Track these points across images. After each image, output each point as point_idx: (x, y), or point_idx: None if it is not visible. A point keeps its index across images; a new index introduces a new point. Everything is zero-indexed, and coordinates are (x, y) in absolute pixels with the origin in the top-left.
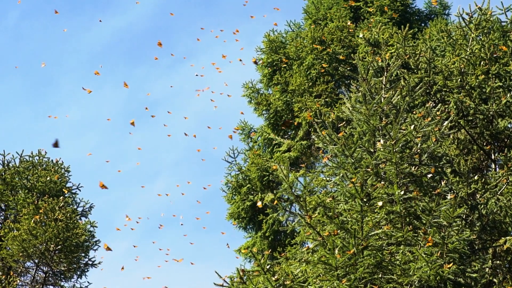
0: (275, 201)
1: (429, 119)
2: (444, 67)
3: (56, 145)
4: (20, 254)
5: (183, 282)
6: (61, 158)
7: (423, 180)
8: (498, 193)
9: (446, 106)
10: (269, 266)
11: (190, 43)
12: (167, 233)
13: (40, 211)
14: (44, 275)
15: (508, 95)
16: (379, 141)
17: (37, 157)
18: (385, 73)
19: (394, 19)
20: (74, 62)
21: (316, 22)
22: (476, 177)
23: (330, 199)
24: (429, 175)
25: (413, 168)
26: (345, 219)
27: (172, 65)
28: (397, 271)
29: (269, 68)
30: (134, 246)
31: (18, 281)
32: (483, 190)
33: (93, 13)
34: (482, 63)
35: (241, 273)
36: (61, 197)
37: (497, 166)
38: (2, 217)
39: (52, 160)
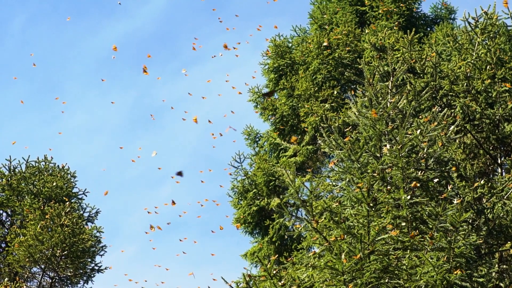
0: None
1: (435, 123)
2: (450, 72)
3: (180, 174)
4: (27, 259)
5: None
6: (67, 164)
7: (429, 185)
8: (505, 197)
9: (452, 110)
10: (275, 271)
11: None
12: (172, 238)
13: (46, 216)
14: (50, 281)
15: None
16: (385, 146)
17: (43, 163)
18: (391, 77)
19: (400, 23)
20: (80, 67)
21: (321, 27)
22: (482, 182)
23: (337, 204)
24: (436, 180)
25: (419, 172)
26: (351, 224)
27: (179, 70)
28: (404, 276)
29: (274, 73)
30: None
31: (25, 286)
32: (490, 195)
33: (99, 18)
34: (488, 67)
35: (247, 278)
36: (67, 203)
37: (503, 170)
38: (9, 223)
39: (58, 166)
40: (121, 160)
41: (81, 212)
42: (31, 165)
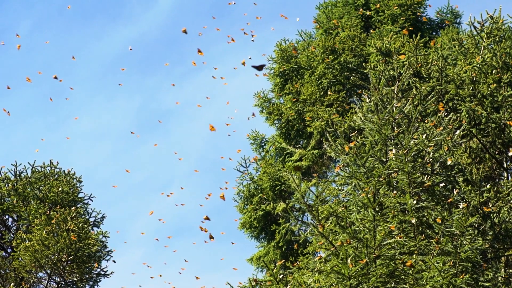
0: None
1: (441, 128)
2: (456, 76)
3: (260, 68)
4: (32, 264)
5: None
6: (73, 168)
7: (435, 189)
8: (511, 201)
9: (458, 115)
10: (281, 275)
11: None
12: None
13: (52, 221)
14: (56, 286)
15: None
16: (391, 150)
17: (49, 168)
18: (397, 82)
19: (405, 28)
20: (86, 72)
21: (327, 31)
22: (488, 186)
23: (343, 208)
24: (442, 184)
25: (425, 177)
26: (357, 228)
27: (185, 74)
28: (410, 280)
29: (280, 78)
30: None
31: None
32: (496, 199)
33: (105, 23)
34: (494, 71)
35: (253, 283)
36: (73, 208)
37: (509, 174)
38: (14, 228)
39: (64, 171)
40: (127, 165)
41: (87, 217)
42: (37, 170)
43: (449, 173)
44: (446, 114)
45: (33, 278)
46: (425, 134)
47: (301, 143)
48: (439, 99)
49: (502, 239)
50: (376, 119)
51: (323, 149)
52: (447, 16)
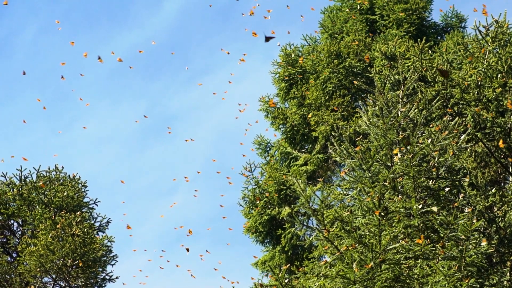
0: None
1: (446, 132)
2: (461, 80)
3: (268, 39)
4: (38, 269)
5: None
6: (78, 173)
7: (440, 194)
8: None
9: (464, 119)
10: (287, 280)
11: (208, 57)
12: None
13: (57, 226)
14: None
15: None
16: (396, 155)
17: (54, 172)
18: (402, 86)
19: (410, 32)
20: (91, 76)
21: (332, 36)
22: (493, 190)
23: (348, 213)
24: (447, 189)
25: (430, 181)
26: (362, 233)
27: (190, 79)
28: (415, 285)
29: (285, 82)
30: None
31: None
32: (501, 203)
33: (110, 27)
34: (499, 76)
35: None
36: (78, 212)
37: None
38: (20, 233)
39: (69, 176)
40: (133, 169)
41: (92, 221)
42: (42, 175)
43: (454, 177)
44: (451, 118)
45: (39, 283)
46: (430, 139)
47: (306, 147)
48: (444, 104)
49: (508, 243)
50: (381, 124)
51: (328, 154)
52: (452, 20)
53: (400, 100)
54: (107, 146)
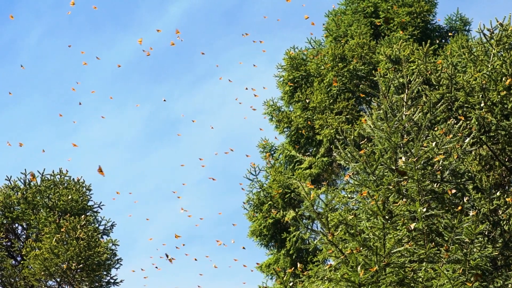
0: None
1: (451, 135)
2: (466, 83)
3: (100, 170)
4: (42, 273)
5: None
6: (82, 177)
7: (445, 197)
8: None
9: (468, 122)
10: (291, 283)
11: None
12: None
13: (62, 229)
14: None
15: None
16: (401, 158)
17: (59, 176)
18: (406, 90)
19: (414, 35)
20: (95, 80)
21: (336, 39)
22: (498, 193)
23: (352, 216)
24: (453, 190)
25: (435, 185)
26: (367, 236)
27: (195, 83)
28: None
29: (289, 86)
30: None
31: None
32: (506, 206)
33: (115, 31)
34: (503, 79)
35: None
36: (82, 216)
37: None
38: (24, 236)
39: (73, 179)
40: (137, 173)
41: (97, 225)
42: (46, 178)
43: (458, 180)
44: (455, 121)
45: (43, 286)
46: (435, 142)
47: (310, 151)
48: (449, 107)
49: None
50: (385, 127)
51: (332, 157)
52: (456, 24)
53: (405, 104)
54: (111, 150)
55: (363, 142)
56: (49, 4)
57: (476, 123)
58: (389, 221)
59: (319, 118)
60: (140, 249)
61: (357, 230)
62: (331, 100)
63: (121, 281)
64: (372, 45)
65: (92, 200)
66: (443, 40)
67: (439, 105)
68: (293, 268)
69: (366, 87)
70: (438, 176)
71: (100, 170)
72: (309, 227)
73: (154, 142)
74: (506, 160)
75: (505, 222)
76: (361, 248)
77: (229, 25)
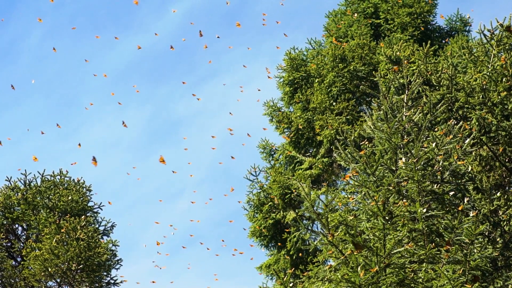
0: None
1: (451, 136)
2: (466, 84)
3: (94, 160)
4: (42, 273)
5: None
6: (83, 177)
7: (445, 198)
8: None
9: (468, 123)
10: (291, 284)
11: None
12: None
13: (62, 230)
14: None
15: None
16: (401, 159)
17: (59, 177)
18: (407, 90)
19: (415, 36)
20: (96, 81)
21: (337, 39)
22: (498, 194)
23: (352, 217)
24: (451, 193)
25: (435, 185)
26: (367, 237)
27: (196, 84)
28: None
29: (289, 86)
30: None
31: None
32: (506, 207)
33: (116, 32)
34: (504, 79)
35: None
36: (82, 216)
37: None
38: (24, 237)
39: (73, 180)
40: (138, 174)
41: (97, 226)
42: (46, 179)
43: (459, 181)
44: (456, 122)
45: (43, 287)
46: (435, 143)
47: (310, 151)
48: (449, 107)
49: None
50: (385, 128)
51: (332, 158)
52: (457, 24)
53: (405, 104)
54: (112, 151)
55: (363, 142)
56: (49, 5)
57: (477, 123)
58: (389, 222)
59: (319, 119)
60: (140, 251)
61: (357, 231)
62: (331, 101)
63: (121, 282)
64: (372, 45)
65: (92, 201)
66: (443, 41)
67: (439, 105)
68: (293, 268)
69: (366, 87)
70: (439, 177)
71: (94, 160)
72: (309, 227)
73: (155, 143)
74: (507, 160)
75: (505, 222)
76: (361, 249)
77: (230, 27)
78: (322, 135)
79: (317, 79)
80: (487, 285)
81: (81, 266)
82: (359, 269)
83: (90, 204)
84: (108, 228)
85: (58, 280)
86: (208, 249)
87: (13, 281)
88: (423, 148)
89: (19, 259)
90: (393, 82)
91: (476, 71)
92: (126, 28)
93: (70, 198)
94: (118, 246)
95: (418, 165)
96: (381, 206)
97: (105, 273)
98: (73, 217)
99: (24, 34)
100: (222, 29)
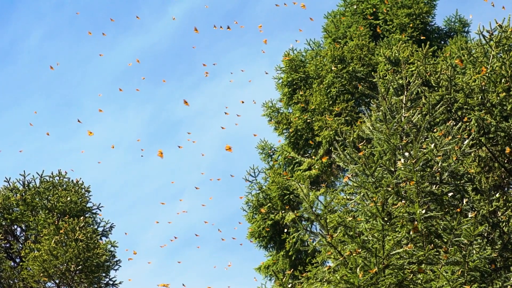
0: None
1: (450, 137)
2: (465, 85)
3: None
4: (41, 274)
5: None
6: (81, 178)
7: (443, 199)
8: None
9: (467, 124)
10: (290, 285)
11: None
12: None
13: (61, 231)
14: None
15: None
16: (400, 160)
17: (57, 178)
18: (406, 91)
19: (414, 37)
20: (96, 82)
21: (335, 40)
22: (497, 195)
23: (351, 218)
24: (450, 194)
25: (434, 186)
26: (366, 238)
27: (195, 85)
28: None
29: (288, 87)
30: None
31: None
32: (505, 208)
33: (116, 33)
34: (503, 80)
35: None
36: (81, 217)
37: None
38: (23, 238)
39: (72, 181)
40: (138, 174)
41: (96, 226)
42: (45, 180)
43: (458, 182)
44: (455, 123)
45: None
46: (434, 144)
47: (309, 152)
48: (448, 108)
49: (511, 248)
50: (384, 129)
51: (331, 159)
52: (455, 25)
53: (404, 105)
54: (113, 151)
55: (362, 143)
56: (49, 5)
57: (476, 124)
58: (388, 223)
59: (318, 120)
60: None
61: (356, 232)
62: (330, 102)
63: (119, 283)
64: (371, 46)
65: (91, 202)
66: (442, 42)
67: (438, 106)
68: (292, 269)
69: (365, 88)
70: (437, 178)
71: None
72: (308, 228)
73: (155, 143)
74: (505, 161)
75: (504, 223)
76: (360, 250)
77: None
78: (321, 136)
79: (316, 80)
80: (486, 286)
81: (80, 267)
82: (358, 270)
83: (89, 205)
84: (107, 229)
85: (57, 281)
86: (223, 239)
87: (11, 282)
88: (422, 149)
89: (18, 260)
90: (392, 83)
91: (475, 72)
92: (125, 29)
93: (69, 199)
94: (117, 247)
95: (417, 166)
96: (380, 207)
97: (104, 274)
98: (72, 218)
99: (24, 34)
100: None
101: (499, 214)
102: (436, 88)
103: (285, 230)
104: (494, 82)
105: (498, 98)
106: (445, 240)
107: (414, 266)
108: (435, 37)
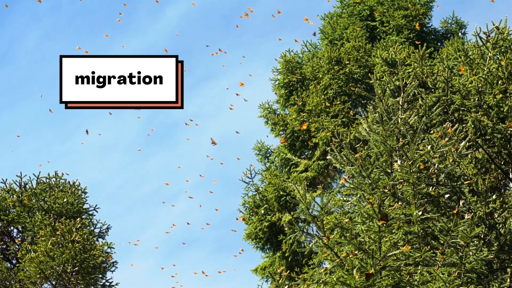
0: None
1: (447, 139)
2: (462, 86)
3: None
4: (38, 276)
5: None
6: (78, 180)
7: (440, 200)
8: None
9: (464, 125)
10: (287, 287)
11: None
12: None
13: (57, 232)
14: None
15: None
16: (396, 161)
17: (54, 179)
18: (402, 93)
19: (410, 38)
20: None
21: (332, 42)
22: (494, 196)
23: (348, 219)
24: (447, 195)
25: (430, 188)
26: (362, 239)
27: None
28: None
29: (285, 89)
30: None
31: None
32: (501, 209)
33: (113, 34)
34: (499, 82)
35: None
36: (78, 219)
37: None
38: (19, 239)
39: (69, 182)
40: (135, 176)
41: (92, 228)
42: (41, 181)
43: (454, 184)
44: (451, 125)
45: None
46: (430, 145)
47: (306, 153)
48: (445, 110)
49: (508, 250)
50: (381, 130)
51: (328, 160)
52: (452, 27)
53: (400, 107)
54: (109, 153)
55: (358, 145)
56: (47, 6)
57: (472, 126)
58: (384, 225)
59: (315, 121)
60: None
61: (352, 234)
62: (327, 103)
63: (116, 284)
64: (368, 48)
65: (87, 203)
66: (439, 43)
67: (434, 108)
68: (288, 271)
69: (361, 90)
70: (434, 179)
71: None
72: (305, 230)
73: (152, 145)
74: (502, 163)
75: (500, 225)
76: (357, 251)
77: (227, 28)
78: (317, 137)
79: (312, 82)
80: None
81: (76, 268)
82: (354, 271)
83: (85, 206)
84: (104, 231)
85: (54, 283)
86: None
87: (8, 283)
88: (418, 151)
89: (14, 262)
90: (389, 85)
91: (471, 73)
92: (122, 31)
93: (65, 200)
94: (113, 249)
95: (413, 168)
96: (377, 208)
97: (100, 275)
98: (68, 220)
99: (21, 36)
100: (221, 30)
101: (496, 216)
102: (432, 90)
103: (283, 230)
104: (490, 83)
105: (495, 99)
106: (442, 242)
107: (411, 267)
108: (432, 38)
